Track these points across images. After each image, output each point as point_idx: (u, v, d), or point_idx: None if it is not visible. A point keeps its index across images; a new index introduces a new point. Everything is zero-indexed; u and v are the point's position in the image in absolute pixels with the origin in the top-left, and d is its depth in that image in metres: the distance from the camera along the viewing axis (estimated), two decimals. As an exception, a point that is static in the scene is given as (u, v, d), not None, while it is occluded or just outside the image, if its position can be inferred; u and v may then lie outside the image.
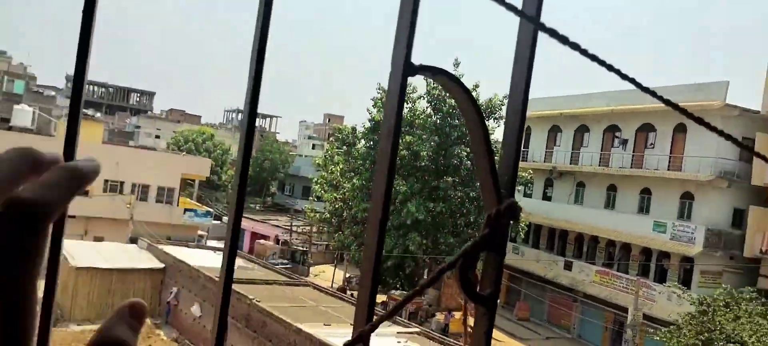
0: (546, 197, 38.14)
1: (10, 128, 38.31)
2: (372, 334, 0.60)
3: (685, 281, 29.34)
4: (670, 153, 31.40)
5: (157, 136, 74.74)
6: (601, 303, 31.74)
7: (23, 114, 40.30)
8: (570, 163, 36.45)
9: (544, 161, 38.27)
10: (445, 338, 23.02)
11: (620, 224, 32.23)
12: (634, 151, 33.49)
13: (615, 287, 31.41)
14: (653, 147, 32.45)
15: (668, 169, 31.08)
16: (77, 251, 28.53)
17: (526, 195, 38.09)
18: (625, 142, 34.10)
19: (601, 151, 35.36)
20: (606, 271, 32.80)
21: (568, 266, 34.79)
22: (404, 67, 0.60)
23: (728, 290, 24.94)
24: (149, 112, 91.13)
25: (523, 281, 36.14)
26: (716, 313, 23.75)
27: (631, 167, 33.00)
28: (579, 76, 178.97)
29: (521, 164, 27.27)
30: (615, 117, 34.33)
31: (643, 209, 32.58)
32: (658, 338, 25.30)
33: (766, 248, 27.37)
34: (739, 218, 29.69)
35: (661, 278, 30.85)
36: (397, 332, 21.54)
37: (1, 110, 51.99)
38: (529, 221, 35.56)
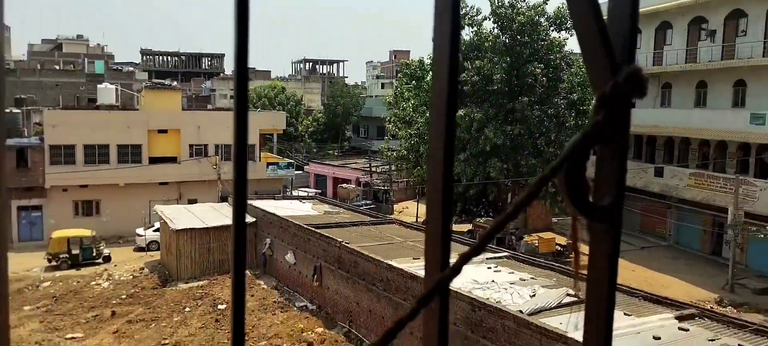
0: (629, 104, 36.38)
1: (97, 107, 40.47)
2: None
3: (791, 173, 27.48)
4: (765, 39, 28.93)
5: (232, 97, 76.74)
6: (698, 206, 30.36)
7: (107, 92, 42.36)
8: (653, 66, 34.42)
9: (624, 67, 36.35)
10: (535, 259, 22.85)
11: (713, 122, 30.35)
12: (723, 42, 31.11)
13: (712, 189, 29.90)
14: (745, 34, 29.98)
15: (764, 56, 28.71)
16: (175, 215, 30.19)
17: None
18: (712, 33, 31.70)
19: (687, 46, 33.10)
20: (701, 172, 31.21)
21: (658, 173, 33.36)
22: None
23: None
24: (221, 74, 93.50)
25: (611, 193, 35.01)
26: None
27: (722, 59, 30.75)
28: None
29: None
30: (699, 8, 31.88)
31: (738, 102, 30.45)
32: (762, 236, 24.02)
33: None
34: None
35: (762, 173, 29.02)
36: (487, 258, 21.56)
37: (87, 91, 54.99)
38: (613, 131, 34.11)
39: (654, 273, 27.77)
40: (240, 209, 0.55)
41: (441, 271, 0.47)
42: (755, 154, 29.37)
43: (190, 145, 39.34)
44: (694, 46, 32.73)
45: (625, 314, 15.74)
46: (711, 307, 19.92)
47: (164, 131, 39.09)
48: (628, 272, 27.18)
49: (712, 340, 14.08)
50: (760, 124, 28.03)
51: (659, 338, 13.86)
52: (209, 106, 62.62)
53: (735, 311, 22.29)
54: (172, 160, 38.79)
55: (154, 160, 38.14)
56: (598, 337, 0.49)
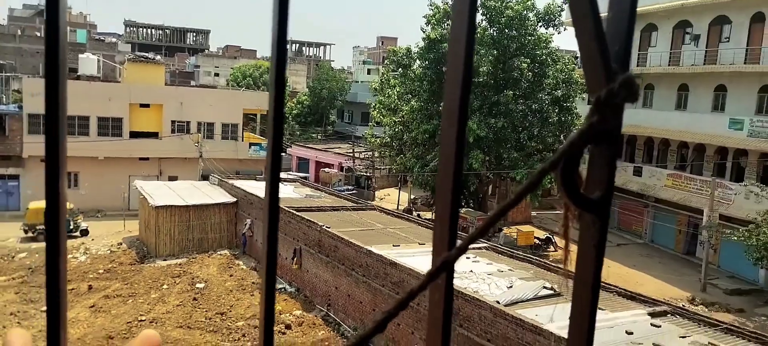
0: (612, 103, 36.73)
1: (77, 77, 39.88)
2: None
3: (764, 179, 28.06)
4: (747, 45, 29.38)
5: (216, 74, 76.08)
6: (674, 206, 30.90)
7: (88, 62, 41.74)
8: (637, 66, 34.80)
9: (609, 65, 36.66)
10: (514, 251, 23.13)
11: (693, 125, 30.84)
12: (706, 47, 31.53)
13: (689, 190, 30.43)
14: (728, 40, 30.41)
15: (745, 63, 29.19)
16: (155, 191, 29.98)
17: (588, 103, 36.80)
18: (696, 37, 32.11)
19: (671, 49, 33.49)
20: (678, 174, 31.74)
21: (637, 172, 33.86)
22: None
23: (813, 184, 23.73)
24: (206, 51, 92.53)
25: (590, 190, 35.49)
26: (800, 209, 22.74)
27: (705, 64, 31.18)
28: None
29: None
30: (685, 12, 32.24)
31: (718, 106, 30.96)
32: (736, 238, 24.55)
33: None
34: (825, 107, 27.79)
35: (737, 177, 29.61)
36: (466, 249, 21.76)
37: (68, 60, 54.04)
38: (595, 129, 34.49)
39: (629, 270, 28.26)
40: (273, 205, 0.60)
41: (448, 250, 0.53)
42: (732, 158, 29.94)
43: (172, 122, 38.98)
44: (678, 49, 33.14)
45: (599, 308, 16.02)
46: (683, 305, 20.35)
47: (146, 106, 38.67)
48: (604, 269, 27.08)
49: (684, 337, 14.44)
50: (739, 130, 28.55)
51: (631, 333, 14.18)
52: (193, 83, 61.99)
53: (706, 310, 22.81)
54: (154, 135, 38.42)
55: (134, 135, 37.75)
56: (582, 317, 0.54)
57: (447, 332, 0.57)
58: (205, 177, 34.87)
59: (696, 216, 29.23)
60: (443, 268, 0.51)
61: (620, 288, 18.21)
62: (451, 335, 0.57)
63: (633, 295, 17.56)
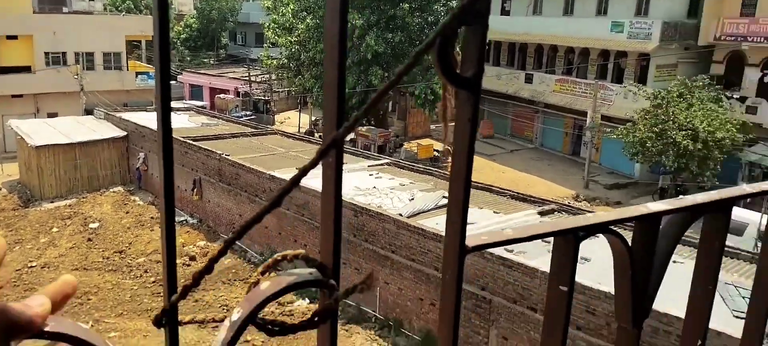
0: (504, 12, 37.50)
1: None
2: (344, 168, 0.58)
3: (641, 79, 30.06)
4: (626, -50, 30.65)
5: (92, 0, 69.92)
6: (562, 110, 32.60)
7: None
8: (525, -26, 35.51)
9: (500, -25, 37.14)
10: (415, 164, 23.67)
11: (579, 30, 32.19)
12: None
13: (574, 93, 32.11)
14: (609, -55, 31.55)
15: (624, -33, 30.52)
16: (33, 130, 27.73)
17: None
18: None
19: (557, -44, 34.31)
20: (565, 78, 33.31)
21: (528, 79, 35.20)
22: None
23: (682, 80, 25.72)
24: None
25: (485, 100, 36.62)
26: (670, 104, 24.67)
27: (588, -30, 32.30)
28: None
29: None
30: None
31: (601, 10, 32.35)
32: (615, 136, 26.43)
33: (720, 33, 27.84)
34: (694, 6, 29.79)
35: (618, 78, 31.52)
36: (369, 166, 22.03)
37: None
38: (489, 39, 35.20)
39: (521, 173, 29.86)
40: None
41: (336, 130, 0.56)
42: (613, 59, 31.75)
43: (46, 53, 35.67)
44: (564, -45, 33.93)
45: (494, 212, 16.92)
46: (569, 202, 21.90)
47: (14, 37, 35.03)
48: (498, 174, 29.01)
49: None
50: (619, 32, 30.16)
51: (525, 232, 15.10)
52: (65, 10, 56.63)
53: (588, 205, 24.67)
54: (26, 69, 35.07)
55: (4, 71, 34.28)
56: (457, 184, 0.58)
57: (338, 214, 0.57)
58: (89, 112, 32.55)
59: (581, 118, 31.05)
60: (332, 145, 0.55)
61: (513, 191, 19.31)
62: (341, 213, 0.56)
63: (524, 196, 18.71)
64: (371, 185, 19.12)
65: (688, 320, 0.81)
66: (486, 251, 13.66)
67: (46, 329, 0.46)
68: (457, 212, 0.57)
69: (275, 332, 0.54)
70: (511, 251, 13.42)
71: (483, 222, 15.62)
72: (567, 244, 0.65)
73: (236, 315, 0.52)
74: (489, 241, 0.61)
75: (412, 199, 17.74)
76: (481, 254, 13.66)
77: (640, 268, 0.66)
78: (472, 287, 13.78)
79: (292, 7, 34.50)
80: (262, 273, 0.56)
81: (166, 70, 0.53)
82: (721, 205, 0.72)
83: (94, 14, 49.52)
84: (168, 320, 0.51)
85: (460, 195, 0.56)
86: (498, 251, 13.68)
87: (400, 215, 15.94)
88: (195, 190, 23.19)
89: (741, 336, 0.90)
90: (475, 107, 0.57)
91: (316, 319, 0.54)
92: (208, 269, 0.53)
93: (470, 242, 0.56)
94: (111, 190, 26.47)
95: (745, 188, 0.81)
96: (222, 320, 0.54)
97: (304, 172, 0.54)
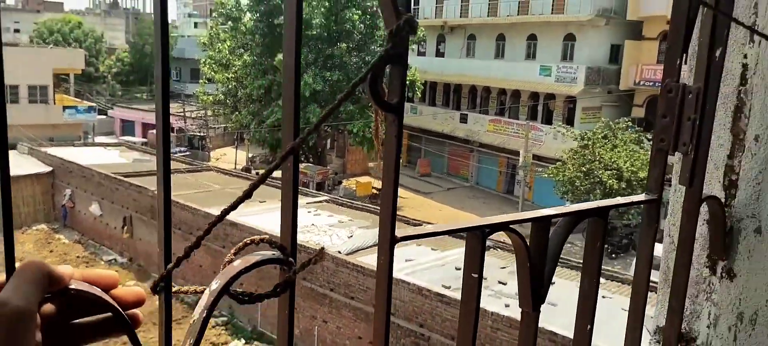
0: (439, 54, 38.69)
1: None
2: (278, 206, 0.68)
3: (569, 120, 31.55)
4: (553, -3, 32.41)
5: (17, 30, 67.34)
6: (496, 150, 33.68)
7: None
8: (460, 17, 36.85)
9: (435, 17, 38.40)
10: (354, 202, 23.81)
11: (510, 73, 33.57)
12: (520, -1, 34.25)
13: (507, 134, 33.28)
14: (538, -8, 33.28)
15: (552, 13, 32.19)
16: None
17: (419, 53, 38.46)
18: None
19: (490, 1, 35.83)
20: (498, 119, 34.52)
21: (463, 119, 36.24)
22: None
23: (606, 122, 27.17)
24: (2, 3, 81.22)
25: (422, 139, 37.42)
26: (596, 145, 25.97)
27: (518, 14, 33.86)
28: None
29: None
30: (500, -35, 34.60)
31: (530, 54, 33.93)
32: (546, 175, 27.49)
33: (639, 78, 29.70)
34: (615, 53, 31.73)
35: (547, 119, 32.94)
36: (307, 203, 22.00)
37: None
38: (425, 80, 36.21)
39: (457, 211, 30.48)
40: None
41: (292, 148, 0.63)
42: (542, 101, 33.21)
43: (-35, 85, 33.97)
44: (496, 0, 35.52)
45: (432, 249, 17.21)
46: (503, 240, 22.49)
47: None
48: (436, 212, 29.52)
49: (504, 267, 16.02)
50: (547, 76, 31.66)
51: (460, 269, 15.43)
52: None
53: (523, 240, 25.34)
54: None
55: None
56: (387, 197, 0.69)
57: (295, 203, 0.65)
58: (12, 146, 31.07)
59: (514, 158, 32.16)
60: (290, 153, 0.64)
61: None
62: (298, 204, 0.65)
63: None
64: (310, 222, 19.09)
65: (580, 305, 0.98)
66: (424, 290, 13.89)
67: (71, 286, 0.56)
68: (388, 207, 0.70)
69: (245, 300, 0.66)
70: (448, 287, 13.67)
71: (421, 259, 15.86)
72: (476, 239, 0.80)
73: (215, 285, 0.64)
74: (414, 233, 0.75)
75: (351, 236, 17.82)
76: (419, 292, 13.86)
77: (536, 261, 0.84)
78: (410, 324, 13.90)
79: (229, 43, 34.41)
80: (235, 253, 0.67)
81: (166, 71, 0.61)
82: (599, 211, 0.92)
83: (20, 46, 47.70)
84: (163, 287, 0.63)
85: (390, 194, 0.69)
86: (435, 288, 13.91)
87: (339, 252, 15.97)
88: (125, 227, 22.45)
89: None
90: (399, 127, 0.70)
91: (278, 290, 0.68)
92: (197, 244, 0.64)
93: (399, 233, 0.71)
94: (33, 228, 25.25)
95: (619, 200, 1.01)
96: (203, 292, 0.66)
97: (263, 178, 0.62)
